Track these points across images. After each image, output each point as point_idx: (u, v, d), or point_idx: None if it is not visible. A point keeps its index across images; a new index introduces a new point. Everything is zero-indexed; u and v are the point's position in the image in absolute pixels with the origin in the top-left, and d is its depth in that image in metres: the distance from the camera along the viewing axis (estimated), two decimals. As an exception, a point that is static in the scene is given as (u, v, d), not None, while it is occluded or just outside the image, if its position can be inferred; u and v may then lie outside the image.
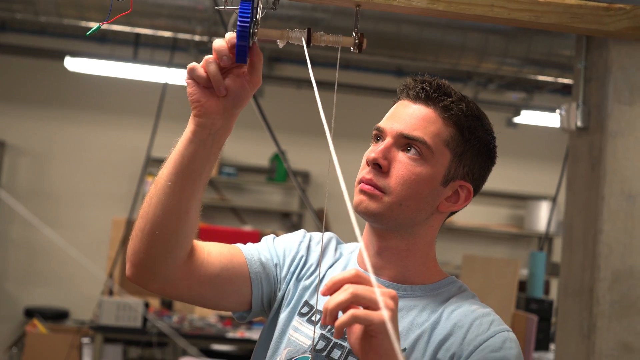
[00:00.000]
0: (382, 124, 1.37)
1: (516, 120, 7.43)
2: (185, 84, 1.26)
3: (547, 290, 6.03)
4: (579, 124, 3.36)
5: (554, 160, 6.45)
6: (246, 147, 7.42)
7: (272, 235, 1.52)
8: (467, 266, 4.89)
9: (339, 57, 1.18)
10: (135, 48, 6.75)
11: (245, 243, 1.50)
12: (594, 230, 3.11)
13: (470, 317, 1.30)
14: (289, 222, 7.79)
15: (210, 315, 5.72)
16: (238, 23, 1.12)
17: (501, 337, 1.28)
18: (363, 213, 1.33)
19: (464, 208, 1.42)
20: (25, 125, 7.39)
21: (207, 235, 5.38)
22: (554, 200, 5.39)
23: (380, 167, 1.32)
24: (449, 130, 1.35)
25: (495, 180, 8.07)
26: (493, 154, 1.46)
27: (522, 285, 5.40)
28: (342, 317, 1.02)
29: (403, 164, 1.33)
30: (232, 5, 1.20)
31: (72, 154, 7.46)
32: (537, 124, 7.28)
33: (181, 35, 4.72)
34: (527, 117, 7.08)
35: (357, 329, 1.07)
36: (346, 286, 1.04)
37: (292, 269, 1.46)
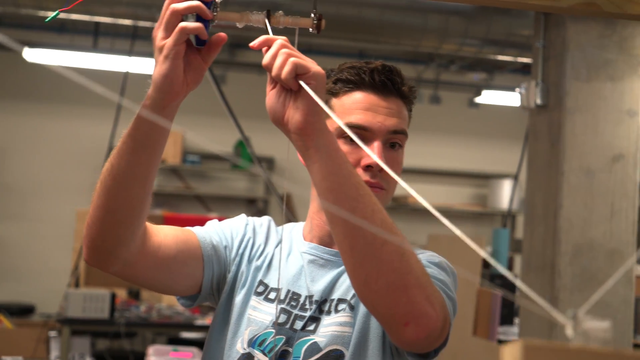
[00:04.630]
0: (365, 122, 1.37)
1: (477, 100, 7.51)
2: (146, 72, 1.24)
3: (510, 266, 6.13)
4: (538, 102, 3.42)
5: (516, 138, 6.54)
6: (210, 135, 7.40)
7: (215, 220, 1.53)
8: (432, 246, 4.95)
9: (297, 39, 1.20)
10: (95, 37, 6.67)
11: None
12: (555, 205, 3.18)
13: None
14: (254, 208, 7.79)
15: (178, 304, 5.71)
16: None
17: (425, 253, 1.39)
18: None
19: None
20: (-16, 118, 7.29)
21: (173, 223, 5.36)
22: (515, 178, 5.48)
23: (380, 170, 1.36)
24: (408, 113, 1.43)
25: (459, 160, 8.18)
26: None
27: (487, 262, 5.48)
28: (285, 68, 1.09)
29: (396, 162, 1.40)
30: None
31: (33, 146, 7.38)
32: (498, 103, 7.36)
33: (142, 23, 4.68)
34: (488, 97, 7.16)
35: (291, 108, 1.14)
36: (280, 43, 1.12)
37: (240, 250, 1.47)
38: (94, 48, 6.50)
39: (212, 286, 1.45)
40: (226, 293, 1.46)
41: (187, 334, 5.81)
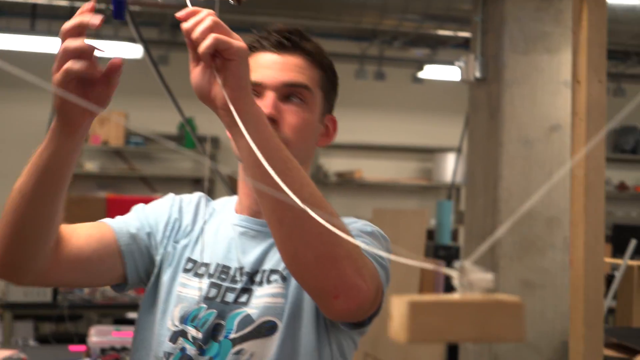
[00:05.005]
0: (259, 78, 1.37)
1: (420, 75, 7.56)
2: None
3: (455, 238, 6.22)
4: (478, 75, 3.46)
5: (459, 112, 6.62)
6: (154, 115, 7.32)
7: (141, 204, 1.52)
8: (377, 220, 5.00)
9: (217, 9, 1.18)
10: (33, 20, 6.53)
11: None
12: (494, 176, 3.24)
13: None
14: (200, 188, 7.75)
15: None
16: None
17: (358, 223, 1.38)
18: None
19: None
20: None
21: (117, 206, 5.32)
22: (458, 151, 5.55)
23: (274, 121, 1.34)
24: (318, 72, 1.42)
25: (403, 135, 8.24)
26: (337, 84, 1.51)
27: (432, 234, 5.57)
28: (205, 42, 1.08)
29: (293, 112, 1.37)
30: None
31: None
32: (441, 78, 7.43)
33: (79, 4, 4.60)
34: (431, 72, 7.22)
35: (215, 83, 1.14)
36: (205, 15, 1.11)
37: (167, 233, 1.47)
38: (32, 30, 6.37)
39: (139, 274, 1.45)
40: (154, 275, 1.45)
41: (133, 314, 5.78)
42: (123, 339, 2.75)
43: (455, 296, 0.60)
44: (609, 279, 4.61)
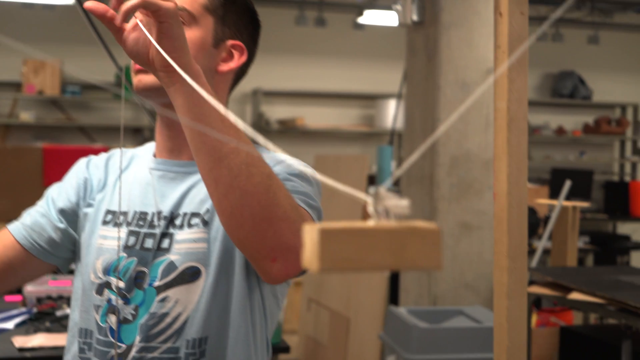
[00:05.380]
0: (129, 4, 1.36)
1: (361, 21, 7.52)
2: None
3: (397, 182, 6.28)
4: (415, 18, 3.45)
5: (400, 58, 6.62)
6: (90, 64, 7.15)
7: (54, 186, 1.50)
8: (318, 166, 5.00)
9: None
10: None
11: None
12: (432, 119, 3.26)
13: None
14: (140, 137, 7.65)
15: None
16: None
17: (283, 164, 1.35)
18: (143, 90, 1.33)
19: (243, 67, 1.44)
20: None
21: (54, 156, 5.21)
22: (399, 96, 5.56)
23: None
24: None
25: (345, 82, 8.22)
26: (255, 15, 1.47)
27: (373, 180, 5.61)
28: (129, 3, 1.08)
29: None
30: None
31: None
32: (380, 23, 7.40)
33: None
34: (371, 18, 7.18)
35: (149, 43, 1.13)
36: None
37: (81, 196, 1.45)
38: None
39: (66, 255, 1.44)
40: (78, 237, 1.45)
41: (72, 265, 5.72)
42: (60, 287, 2.71)
43: (369, 223, 0.59)
44: (546, 221, 4.72)
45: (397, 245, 0.59)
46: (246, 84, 7.53)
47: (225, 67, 1.41)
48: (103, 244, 1.39)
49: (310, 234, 0.57)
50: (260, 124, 7.71)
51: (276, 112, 7.99)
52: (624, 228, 8.31)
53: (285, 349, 2.74)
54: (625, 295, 2.74)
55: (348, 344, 4.53)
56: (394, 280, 4.47)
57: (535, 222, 4.81)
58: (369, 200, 0.58)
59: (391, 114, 7.74)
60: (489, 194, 3.25)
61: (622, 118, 8.68)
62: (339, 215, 3.98)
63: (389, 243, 0.59)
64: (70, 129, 7.47)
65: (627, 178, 8.87)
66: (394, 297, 4.52)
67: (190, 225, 1.35)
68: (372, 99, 8.19)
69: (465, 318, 3.20)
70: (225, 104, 1.43)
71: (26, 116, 7.22)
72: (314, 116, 8.02)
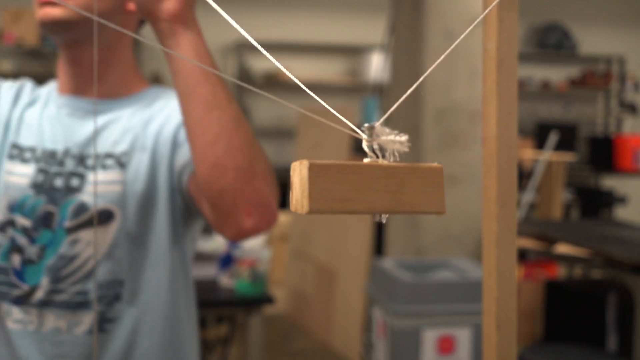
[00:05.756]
0: None
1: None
2: None
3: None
4: (401, -34, 3.39)
5: (385, 10, 6.53)
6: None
7: None
8: (302, 120, 4.96)
9: None
10: None
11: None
12: (417, 69, 3.22)
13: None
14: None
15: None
16: None
17: None
18: (51, 23, 1.28)
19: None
20: None
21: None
22: (383, 47, 5.49)
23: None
24: None
25: (328, 34, 8.13)
26: None
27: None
28: None
29: None
30: None
31: None
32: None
33: None
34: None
35: None
36: None
37: None
38: None
39: None
40: None
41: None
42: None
43: (364, 161, 0.55)
44: (529, 176, 4.71)
45: (395, 186, 0.54)
46: (229, 36, 7.43)
47: (133, 5, 1.35)
48: (9, 179, 1.34)
49: (299, 170, 0.53)
50: (243, 78, 7.64)
51: (259, 65, 7.90)
52: (608, 182, 8.35)
53: (270, 300, 2.73)
54: (612, 247, 2.75)
55: (333, 295, 4.55)
56: (379, 232, 4.46)
57: (518, 175, 4.80)
58: (364, 136, 0.54)
59: (375, 65, 7.68)
60: (474, 146, 3.23)
61: (608, 72, 8.66)
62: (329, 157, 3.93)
63: (386, 182, 0.54)
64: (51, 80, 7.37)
65: (612, 129, 8.88)
66: (378, 248, 4.52)
67: (104, 167, 1.32)
68: (355, 51, 8.11)
69: (450, 269, 3.20)
70: (130, 47, 1.40)
71: (7, 66, 7.14)
72: (298, 68, 7.94)
